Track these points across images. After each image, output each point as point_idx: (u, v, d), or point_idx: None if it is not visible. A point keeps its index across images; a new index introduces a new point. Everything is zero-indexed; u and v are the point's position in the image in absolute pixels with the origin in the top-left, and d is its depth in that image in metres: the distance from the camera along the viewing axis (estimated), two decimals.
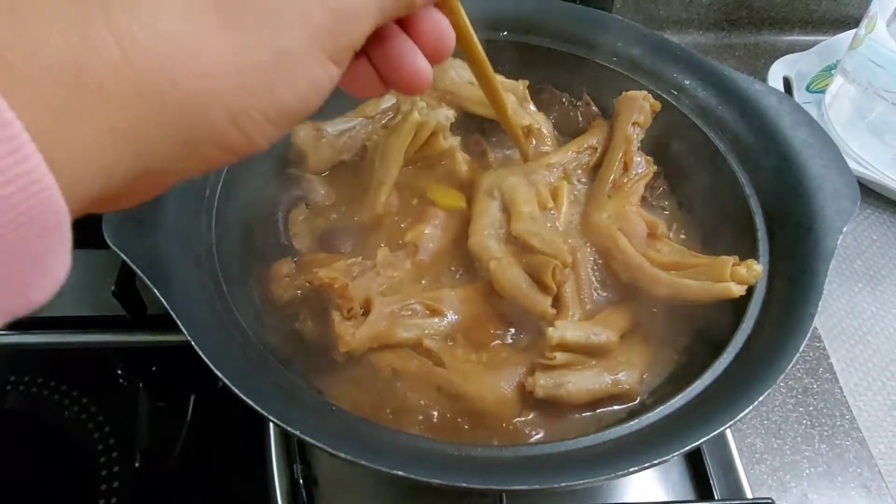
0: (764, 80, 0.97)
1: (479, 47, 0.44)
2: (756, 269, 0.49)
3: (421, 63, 0.33)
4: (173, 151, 0.25)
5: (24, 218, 0.20)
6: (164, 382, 0.70)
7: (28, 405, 0.67)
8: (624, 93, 0.64)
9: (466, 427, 0.50)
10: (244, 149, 0.27)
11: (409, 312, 0.53)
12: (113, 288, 0.65)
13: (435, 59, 0.34)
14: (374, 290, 0.53)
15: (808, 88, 0.99)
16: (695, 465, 0.62)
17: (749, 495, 0.60)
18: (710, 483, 0.60)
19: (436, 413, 0.50)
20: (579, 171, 0.64)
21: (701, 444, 0.40)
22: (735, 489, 0.60)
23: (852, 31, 0.90)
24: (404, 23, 0.32)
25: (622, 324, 0.54)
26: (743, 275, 0.49)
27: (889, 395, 0.70)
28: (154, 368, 0.70)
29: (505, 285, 0.53)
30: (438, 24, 0.33)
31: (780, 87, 0.96)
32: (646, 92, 0.63)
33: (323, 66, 0.27)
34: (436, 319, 0.53)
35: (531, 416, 0.50)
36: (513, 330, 0.54)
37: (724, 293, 0.49)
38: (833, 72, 0.95)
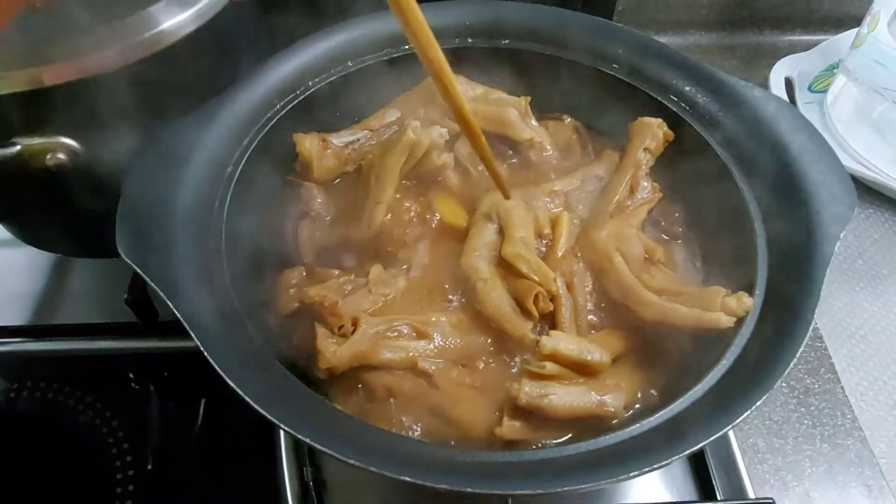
0: (766, 80, 0.97)
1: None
2: (746, 302, 0.49)
3: None
4: None
5: None
6: (176, 387, 0.72)
7: (43, 410, 0.69)
8: (639, 118, 0.64)
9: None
10: None
11: (396, 333, 0.53)
12: (125, 296, 0.67)
13: None
14: (365, 308, 0.54)
15: (810, 88, 0.99)
16: (697, 465, 0.63)
17: (751, 495, 0.61)
18: (712, 483, 0.61)
19: (427, 434, 0.50)
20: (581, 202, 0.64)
21: (698, 449, 0.41)
22: (737, 489, 0.61)
23: (854, 31, 0.90)
24: None
25: (616, 347, 0.54)
26: (732, 306, 0.49)
27: (891, 394, 0.70)
28: (166, 374, 0.72)
29: (488, 307, 0.54)
30: None
31: (783, 88, 0.97)
32: (660, 120, 0.64)
33: None
34: (422, 342, 0.53)
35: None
36: (507, 355, 0.54)
37: (712, 322, 0.49)
38: (835, 71, 0.96)
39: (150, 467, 0.65)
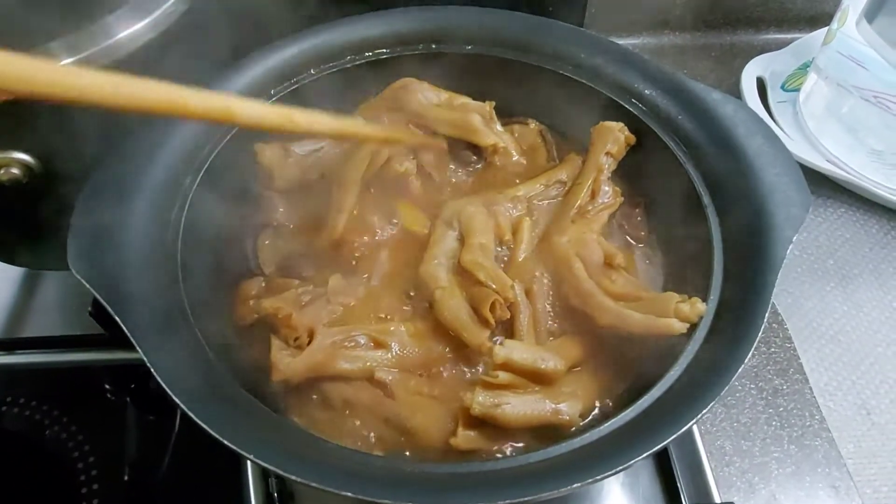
0: (737, 80, 0.97)
1: None
2: (699, 307, 0.49)
3: None
4: None
5: None
6: (144, 398, 0.71)
7: (11, 424, 0.69)
8: (601, 122, 0.64)
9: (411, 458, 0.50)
10: None
11: (353, 344, 0.53)
12: (90, 309, 0.67)
13: None
14: (323, 318, 0.54)
15: (783, 87, 0.99)
16: (664, 468, 0.63)
17: (717, 499, 0.60)
18: (678, 487, 0.61)
19: (383, 445, 0.50)
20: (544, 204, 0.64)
21: (644, 458, 0.41)
22: (703, 492, 0.61)
23: (827, 29, 0.90)
24: None
25: (573, 354, 0.54)
26: (686, 312, 0.49)
27: (859, 394, 0.70)
28: (133, 385, 0.71)
29: (446, 315, 0.54)
30: None
31: (754, 88, 0.97)
32: (622, 124, 0.63)
33: None
34: (380, 352, 0.53)
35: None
36: (465, 364, 0.54)
37: (665, 328, 0.49)
38: (808, 69, 0.96)
39: (115, 480, 0.65)
